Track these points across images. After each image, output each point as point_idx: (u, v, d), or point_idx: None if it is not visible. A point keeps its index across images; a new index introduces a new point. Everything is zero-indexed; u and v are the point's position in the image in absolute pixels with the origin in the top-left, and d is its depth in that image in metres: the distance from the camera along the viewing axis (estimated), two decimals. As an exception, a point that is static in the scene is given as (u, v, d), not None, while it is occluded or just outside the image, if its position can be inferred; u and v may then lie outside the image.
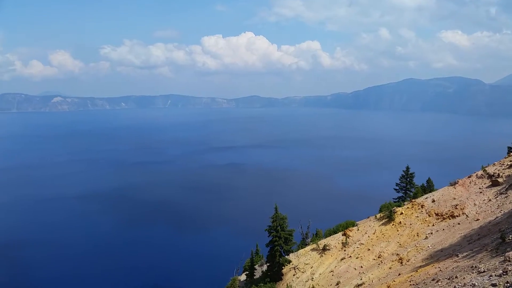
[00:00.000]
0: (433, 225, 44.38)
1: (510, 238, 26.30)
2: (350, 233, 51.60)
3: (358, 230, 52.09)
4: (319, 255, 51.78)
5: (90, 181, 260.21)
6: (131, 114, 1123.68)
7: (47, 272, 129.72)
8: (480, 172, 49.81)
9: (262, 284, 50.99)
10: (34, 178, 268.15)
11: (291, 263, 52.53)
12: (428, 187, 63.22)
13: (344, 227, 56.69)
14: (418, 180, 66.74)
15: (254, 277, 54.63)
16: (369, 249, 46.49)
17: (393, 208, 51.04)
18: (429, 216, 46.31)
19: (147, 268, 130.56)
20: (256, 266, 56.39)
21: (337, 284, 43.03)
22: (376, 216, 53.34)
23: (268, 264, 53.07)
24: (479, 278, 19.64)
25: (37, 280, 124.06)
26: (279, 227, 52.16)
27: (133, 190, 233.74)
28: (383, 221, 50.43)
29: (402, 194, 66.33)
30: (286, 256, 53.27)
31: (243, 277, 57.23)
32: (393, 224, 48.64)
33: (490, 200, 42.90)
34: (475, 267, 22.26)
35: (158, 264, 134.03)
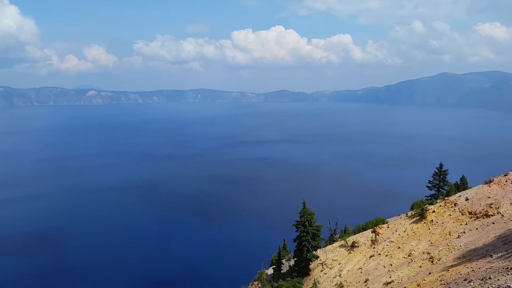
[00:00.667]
0: (466, 224, 43.10)
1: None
2: (380, 231, 50.84)
3: (388, 227, 51.24)
4: (348, 252, 51.33)
5: (124, 172, 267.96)
6: (162, 108, 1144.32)
7: (85, 258, 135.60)
8: (517, 171, 47.88)
9: (289, 279, 51.12)
10: (72, 169, 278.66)
11: (318, 259, 52.34)
12: (462, 185, 61.35)
13: (373, 224, 55.87)
14: (452, 178, 64.88)
15: (281, 272, 54.84)
16: (399, 247, 45.70)
17: (425, 206, 49.87)
18: (462, 214, 44.99)
19: (176, 258, 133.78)
20: (283, 261, 56.55)
21: (366, 281, 42.60)
22: (407, 214, 52.30)
23: (295, 259, 53.10)
24: (514, 280, 19.02)
25: (76, 266, 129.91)
26: (306, 223, 52.02)
27: (164, 182, 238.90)
28: (415, 219, 49.39)
29: (435, 192, 64.70)
30: (314, 252, 53.13)
31: (270, 271, 57.53)
32: (424, 222, 47.57)
33: (528, 199, 41.24)
34: (511, 268, 21.55)
35: (187, 254, 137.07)
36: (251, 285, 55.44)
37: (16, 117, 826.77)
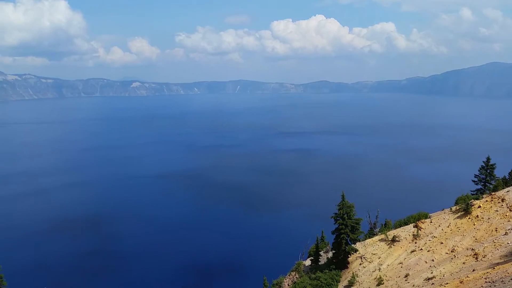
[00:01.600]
0: (515, 221, 41.15)
1: None
2: (422, 225, 49.55)
3: (431, 222, 49.82)
4: (388, 246, 50.48)
5: (168, 162, 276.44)
6: (203, 99, 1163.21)
7: (131, 242, 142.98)
8: None
9: (327, 271, 51.05)
10: (119, 158, 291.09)
11: (357, 252, 51.85)
12: (510, 180, 58.40)
13: (416, 218, 54.50)
14: (499, 172, 61.89)
15: (319, 263, 54.81)
16: (442, 243, 44.40)
17: (470, 201, 47.98)
18: (510, 211, 42.98)
19: (217, 246, 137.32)
20: (321, 253, 56.47)
21: (406, 276, 41.85)
22: (451, 209, 50.58)
23: (333, 251, 52.87)
24: None
25: (122, 249, 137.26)
26: (345, 215, 51.54)
27: (206, 171, 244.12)
28: (459, 214, 47.70)
29: (481, 187, 61.97)
30: (353, 245, 52.68)
31: (307, 262, 57.63)
32: (469, 218, 45.86)
33: None
34: (561, 269, 20.54)
35: (227, 242, 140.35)
36: (289, 275, 55.90)
37: (66, 107, 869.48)
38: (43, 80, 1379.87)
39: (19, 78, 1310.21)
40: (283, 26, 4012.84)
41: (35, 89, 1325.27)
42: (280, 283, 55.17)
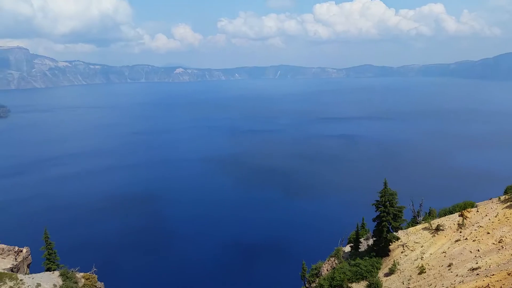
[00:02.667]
0: None
1: None
2: (468, 215, 48.00)
3: (478, 211, 48.14)
4: (431, 235, 49.41)
5: (211, 146, 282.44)
6: (244, 84, 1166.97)
7: (177, 221, 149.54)
8: None
9: (367, 258, 50.80)
10: (165, 142, 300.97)
11: (399, 240, 51.11)
12: None
13: (461, 207, 52.80)
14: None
15: (359, 250, 54.56)
16: (489, 233, 42.89)
17: (522, 191, 45.89)
18: None
19: (258, 227, 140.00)
20: (362, 239, 56.09)
21: (449, 265, 40.95)
22: (499, 198, 48.57)
23: (374, 238, 52.38)
24: None
25: (169, 227, 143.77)
26: (387, 203, 50.76)
27: (247, 156, 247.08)
28: (508, 204, 45.75)
29: (535, 176, 58.82)
30: (394, 233, 51.95)
31: (347, 248, 57.48)
32: (520, 209, 43.93)
33: None
34: None
35: (268, 225, 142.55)
36: (328, 260, 56.06)
37: (113, 92, 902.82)
38: (91, 66, 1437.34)
39: (69, 65, 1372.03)
40: (326, 9, 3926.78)
41: (84, 75, 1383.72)
42: (319, 268, 55.53)
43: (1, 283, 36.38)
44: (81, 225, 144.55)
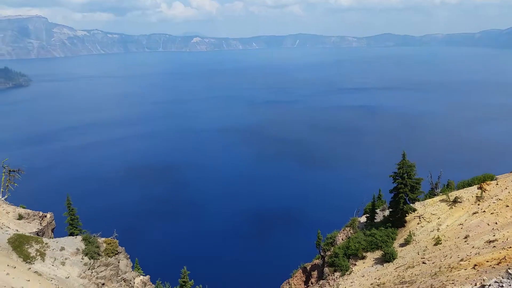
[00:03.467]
0: None
1: None
2: (487, 187, 47.32)
3: (497, 184, 47.37)
4: (449, 207, 49.09)
5: (229, 116, 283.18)
6: (261, 54, 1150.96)
7: (197, 189, 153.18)
8: None
9: (382, 228, 51.03)
10: (184, 112, 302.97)
11: (415, 212, 51.03)
12: None
13: (480, 180, 52.03)
14: None
15: (375, 221, 54.80)
16: (508, 206, 42.32)
17: (545, 164, 44.75)
18: None
19: (275, 196, 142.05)
20: (378, 210, 56.19)
21: (466, 237, 40.80)
22: (521, 171, 47.66)
23: (390, 209, 52.44)
24: None
25: (189, 195, 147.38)
26: (405, 175, 50.40)
27: (265, 126, 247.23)
28: (530, 177, 44.90)
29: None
30: (411, 204, 51.81)
31: (363, 219, 57.75)
32: (542, 182, 43.06)
33: None
34: None
35: (285, 194, 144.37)
36: (343, 230, 56.57)
37: (132, 62, 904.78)
38: (109, 36, 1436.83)
39: (88, 34, 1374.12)
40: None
41: (102, 44, 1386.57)
42: (334, 237, 56.15)
43: (28, 246, 38.06)
44: (102, 192, 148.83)
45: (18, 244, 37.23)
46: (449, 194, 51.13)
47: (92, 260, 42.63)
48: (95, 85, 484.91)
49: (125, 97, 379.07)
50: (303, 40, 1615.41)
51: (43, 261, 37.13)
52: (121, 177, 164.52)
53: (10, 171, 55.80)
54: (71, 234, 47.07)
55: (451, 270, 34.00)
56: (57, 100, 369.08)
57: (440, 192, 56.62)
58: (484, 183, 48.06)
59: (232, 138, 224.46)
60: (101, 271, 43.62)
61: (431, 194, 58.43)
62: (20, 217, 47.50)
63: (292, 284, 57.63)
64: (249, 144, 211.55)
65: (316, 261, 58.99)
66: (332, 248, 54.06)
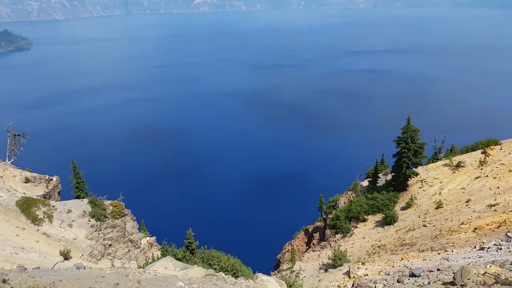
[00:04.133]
0: None
1: None
2: (491, 152, 47.22)
3: (501, 149, 47.26)
4: (451, 171, 49.27)
5: (232, 80, 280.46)
6: (265, 15, 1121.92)
7: (204, 152, 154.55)
8: None
9: (384, 192, 51.56)
10: (187, 76, 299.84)
11: (418, 176, 51.32)
12: None
13: (484, 145, 51.83)
14: None
15: (377, 185, 55.27)
16: (511, 170, 42.37)
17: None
18: None
19: (281, 161, 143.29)
20: (380, 175, 56.55)
21: (467, 201, 41.17)
22: (526, 136, 47.32)
23: (393, 174, 52.75)
24: None
25: (195, 158, 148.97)
26: (409, 139, 50.34)
27: (270, 91, 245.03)
28: (535, 142, 44.62)
29: None
30: (414, 169, 52.00)
31: (365, 183, 58.24)
32: (546, 147, 42.82)
33: None
34: None
35: (290, 158, 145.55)
36: (345, 194, 57.23)
37: (133, 24, 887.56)
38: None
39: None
40: None
41: (103, 6, 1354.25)
42: (336, 201, 56.88)
43: (35, 208, 38.86)
44: (107, 156, 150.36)
45: (26, 206, 38.02)
46: (452, 158, 51.20)
47: (98, 222, 43.64)
48: (97, 48, 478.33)
49: (128, 60, 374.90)
50: (308, 1, 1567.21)
51: (51, 223, 38.05)
52: (126, 141, 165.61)
53: (15, 135, 56.20)
54: (77, 197, 47.89)
55: (451, 233, 34.53)
56: (60, 64, 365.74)
57: (443, 157, 56.70)
58: (488, 148, 47.97)
59: (236, 102, 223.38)
60: (108, 233, 44.76)
61: (434, 158, 58.53)
62: (27, 181, 48.28)
63: (294, 245, 59.01)
64: (254, 108, 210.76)
65: (318, 224, 60.10)
66: (334, 211, 54.88)
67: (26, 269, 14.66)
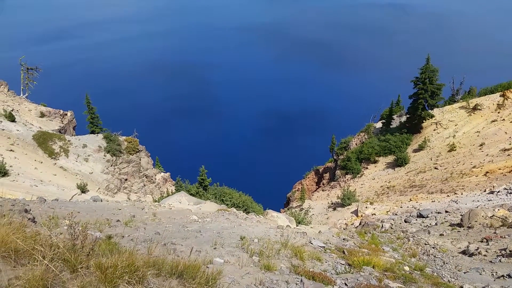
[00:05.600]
0: None
1: None
2: (510, 95, 45.86)
3: (522, 92, 45.84)
4: (467, 114, 48.35)
5: (246, 13, 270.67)
6: None
7: (218, 88, 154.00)
8: None
9: (397, 134, 51.20)
10: (199, 7, 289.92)
11: (433, 118, 50.57)
12: None
13: (504, 87, 50.18)
14: None
15: (391, 126, 54.79)
16: (530, 115, 41.42)
17: None
18: None
19: (295, 97, 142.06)
20: (394, 116, 55.84)
21: (481, 145, 40.80)
22: (550, 79, 45.57)
23: (408, 115, 52.01)
24: None
25: (210, 93, 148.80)
26: (427, 80, 48.87)
27: (286, 25, 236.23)
28: (558, 86, 43.02)
29: None
30: (430, 111, 51.13)
31: (378, 124, 57.72)
32: None
33: None
34: None
35: (304, 95, 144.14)
36: (357, 135, 57.04)
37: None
38: None
39: None
40: None
41: None
42: (348, 142, 56.86)
43: (52, 142, 39.80)
44: (121, 92, 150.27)
45: (43, 140, 38.91)
46: (470, 101, 50.04)
47: (114, 157, 44.75)
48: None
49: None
50: None
51: (67, 157, 39.13)
52: (139, 76, 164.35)
53: (28, 68, 56.19)
54: (92, 132, 48.73)
55: (462, 176, 34.64)
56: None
57: (460, 99, 55.39)
58: (508, 91, 46.54)
59: (250, 37, 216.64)
60: (123, 168, 46.06)
61: (451, 100, 57.26)
62: (42, 115, 49.01)
63: (304, 185, 60.20)
64: (267, 43, 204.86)
65: (329, 164, 60.73)
66: (345, 152, 55.12)
67: (45, 200, 15.25)
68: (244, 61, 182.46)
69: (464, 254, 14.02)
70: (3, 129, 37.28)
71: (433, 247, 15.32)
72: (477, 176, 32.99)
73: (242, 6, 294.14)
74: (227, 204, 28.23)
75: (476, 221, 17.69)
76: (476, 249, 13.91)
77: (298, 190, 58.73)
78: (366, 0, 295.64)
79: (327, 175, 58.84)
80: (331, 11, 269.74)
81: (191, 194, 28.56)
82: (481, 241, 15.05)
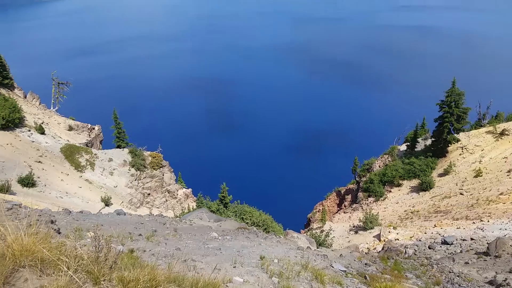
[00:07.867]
0: None
1: None
2: (541, 121, 44.52)
3: (553, 119, 44.46)
4: (494, 139, 47.15)
5: (274, 33, 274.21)
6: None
7: (250, 105, 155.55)
8: None
9: (422, 157, 50.25)
10: (228, 27, 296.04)
11: (459, 142, 49.50)
12: None
13: (534, 113, 48.92)
14: None
15: (415, 149, 53.84)
16: (561, 142, 40.03)
17: None
18: None
19: (316, 118, 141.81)
20: (419, 139, 54.87)
21: (509, 171, 39.56)
22: None
23: (433, 139, 51.09)
24: None
25: (241, 111, 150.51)
26: (453, 103, 48.07)
27: (313, 46, 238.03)
28: None
29: None
30: (455, 135, 50.09)
31: (403, 147, 56.81)
32: None
33: None
34: None
35: (331, 114, 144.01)
36: (381, 157, 56.19)
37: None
38: None
39: None
40: None
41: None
42: (371, 164, 56.09)
43: (78, 155, 40.91)
44: (147, 107, 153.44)
45: (70, 153, 40.03)
46: (497, 125, 48.90)
47: (138, 172, 45.54)
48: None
49: (169, 9, 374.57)
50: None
51: (93, 170, 40.07)
52: (166, 93, 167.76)
53: (59, 83, 58.32)
54: (118, 147, 49.81)
55: (488, 203, 33.57)
56: (102, 13, 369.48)
57: (487, 123, 54.16)
58: (538, 117, 45.19)
59: (280, 56, 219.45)
60: (147, 182, 46.75)
61: (478, 125, 56.06)
62: (70, 128, 50.53)
63: (326, 206, 59.49)
64: (296, 63, 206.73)
65: (351, 186, 59.95)
66: (368, 174, 54.34)
67: (71, 212, 15.65)
68: (270, 81, 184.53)
69: (491, 285, 13.53)
70: (33, 141, 38.61)
71: (457, 276, 14.86)
72: (504, 203, 31.94)
73: (269, 26, 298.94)
74: (247, 223, 28.17)
75: (504, 250, 17.09)
76: (504, 280, 13.41)
77: (319, 211, 58.04)
78: (393, 22, 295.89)
79: (349, 197, 58.02)
80: (359, 32, 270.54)
81: (211, 211, 28.69)
82: (510, 272, 14.51)
